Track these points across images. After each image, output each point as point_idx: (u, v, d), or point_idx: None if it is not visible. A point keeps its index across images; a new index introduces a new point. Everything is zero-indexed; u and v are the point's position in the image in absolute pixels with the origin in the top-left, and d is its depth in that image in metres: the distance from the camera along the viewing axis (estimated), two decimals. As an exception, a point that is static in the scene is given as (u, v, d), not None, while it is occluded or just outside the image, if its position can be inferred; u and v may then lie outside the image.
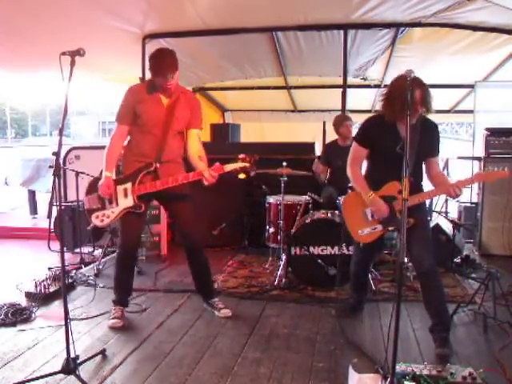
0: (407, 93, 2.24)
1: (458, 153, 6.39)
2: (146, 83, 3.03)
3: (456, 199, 2.67)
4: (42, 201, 7.48)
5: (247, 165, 2.86)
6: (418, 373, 2.12)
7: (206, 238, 5.07)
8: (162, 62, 2.82)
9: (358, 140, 2.88)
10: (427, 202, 6.39)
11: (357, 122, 4.76)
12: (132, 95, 2.97)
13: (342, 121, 4.56)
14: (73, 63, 2.36)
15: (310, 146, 5.43)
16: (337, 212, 4.02)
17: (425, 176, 2.88)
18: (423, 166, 2.84)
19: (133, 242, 3.12)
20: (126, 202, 2.96)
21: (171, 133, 2.96)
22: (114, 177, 3.00)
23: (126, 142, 3.09)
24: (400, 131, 2.68)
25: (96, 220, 3.04)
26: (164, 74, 2.82)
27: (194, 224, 3.17)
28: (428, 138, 2.70)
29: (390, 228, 2.80)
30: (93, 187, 3.07)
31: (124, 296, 3.21)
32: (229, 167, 2.86)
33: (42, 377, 2.29)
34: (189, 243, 3.24)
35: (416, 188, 2.69)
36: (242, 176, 2.89)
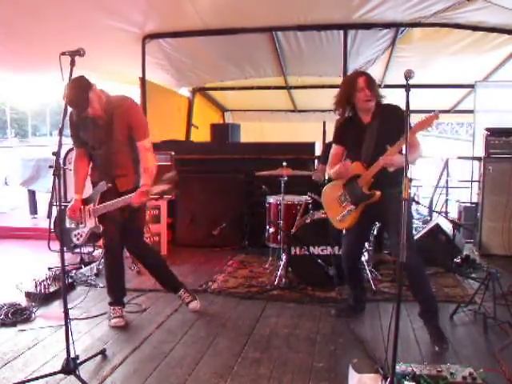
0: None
1: (458, 153, 6.40)
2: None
3: (391, 169, 2.69)
4: (42, 201, 7.47)
5: (166, 188, 2.95)
6: (417, 373, 2.12)
7: (205, 238, 5.12)
8: (72, 98, 2.72)
9: (333, 140, 3.13)
10: (427, 202, 6.42)
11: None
12: (72, 123, 3.07)
13: None
14: (73, 63, 2.36)
15: (310, 146, 5.43)
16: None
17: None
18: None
19: (114, 242, 3.12)
20: (90, 222, 3.07)
21: (115, 148, 3.01)
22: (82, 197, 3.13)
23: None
24: (363, 119, 2.91)
25: (74, 238, 3.16)
26: (78, 109, 2.88)
27: (134, 240, 3.26)
28: (391, 120, 2.72)
29: (362, 205, 2.89)
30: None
31: (119, 296, 3.21)
32: (154, 190, 2.92)
33: (41, 377, 2.29)
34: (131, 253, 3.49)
35: (391, 174, 2.73)
36: (166, 196, 3.02)
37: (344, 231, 3.18)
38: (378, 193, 2.78)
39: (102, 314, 3.22)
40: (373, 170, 2.78)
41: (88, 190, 3.20)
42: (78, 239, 3.14)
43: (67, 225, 3.18)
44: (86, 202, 3.11)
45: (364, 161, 2.85)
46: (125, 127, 2.99)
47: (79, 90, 2.78)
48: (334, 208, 3.05)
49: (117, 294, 3.20)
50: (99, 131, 2.99)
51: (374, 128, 2.83)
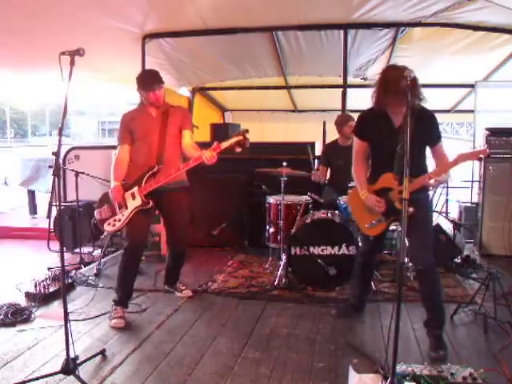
0: (407, 91, 2.25)
1: (458, 153, 6.38)
2: (137, 107, 3.47)
3: (440, 184, 2.66)
4: (42, 201, 7.47)
5: (241, 138, 3.05)
6: (418, 373, 2.12)
7: (205, 238, 5.12)
8: (149, 76, 3.30)
9: (355, 133, 2.93)
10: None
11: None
12: (125, 117, 3.34)
13: (346, 121, 4.55)
14: (72, 63, 2.36)
15: (310, 146, 5.42)
16: (337, 212, 4.02)
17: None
18: (422, 155, 2.79)
19: (139, 242, 3.23)
20: (134, 202, 3.16)
21: (167, 138, 3.24)
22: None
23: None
24: (393, 120, 2.71)
25: (108, 226, 3.22)
26: (151, 85, 3.20)
27: (184, 229, 3.42)
28: (422, 128, 2.64)
29: (393, 218, 2.80)
30: (102, 201, 3.30)
31: (126, 297, 3.23)
32: (225, 144, 3.04)
33: (41, 377, 2.29)
34: (175, 245, 3.50)
35: (414, 178, 2.63)
36: (238, 150, 3.07)
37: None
38: (412, 209, 2.55)
39: (102, 315, 3.21)
40: (416, 184, 2.60)
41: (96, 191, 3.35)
42: (114, 225, 3.18)
43: (98, 218, 3.27)
44: (125, 188, 3.21)
45: (397, 172, 2.66)
46: (178, 119, 3.30)
47: (155, 71, 3.34)
48: (362, 213, 2.90)
49: (125, 294, 3.23)
50: (153, 119, 3.25)
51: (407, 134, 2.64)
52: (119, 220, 3.18)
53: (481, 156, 2.74)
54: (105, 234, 3.45)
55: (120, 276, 3.24)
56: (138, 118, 3.29)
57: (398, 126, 2.69)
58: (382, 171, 2.77)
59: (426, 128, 2.69)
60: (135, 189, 3.17)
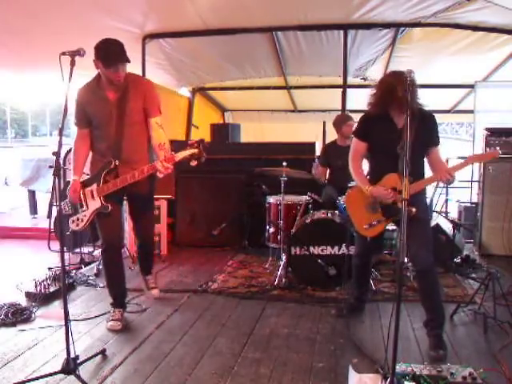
0: (406, 94, 2.29)
1: (458, 153, 6.39)
2: (91, 82, 2.93)
3: (448, 185, 2.67)
4: (42, 201, 7.47)
5: (195, 151, 2.69)
6: (417, 373, 2.12)
7: (205, 238, 5.12)
8: (113, 50, 2.76)
9: (356, 134, 2.95)
10: (427, 201, 6.42)
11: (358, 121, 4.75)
12: (80, 98, 2.93)
13: (344, 120, 4.56)
14: (73, 63, 2.36)
15: (310, 146, 5.43)
16: (337, 212, 4.02)
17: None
18: (423, 158, 2.80)
19: (113, 240, 3.05)
20: (94, 203, 2.96)
21: (126, 128, 2.89)
22: (80, 180, 3.02)
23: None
24: (396, 121, 2.74)
25: (72, 224, 3.07)
26: (114, 63, 2.76)
27: (150, 229, 3.40)
28: (424, 129, 2.66)
29: (393, 218, 2.79)
30: (65, 193, 3.08)
31: (120, 297, 3.16)
32: (180, 156, 2.72)
33: (42, 377, 2.29)
34: (140, 237, 3.36)
35: (414, 179, 2.62)
36: (193, 163, 2.71)
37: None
38: (414, 209, 2.56)
39: (102, 315, 3.21)
40: (414, 188, 2.61)
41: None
42: (77, 225, 3.02)
43: (64, 211, 3.04)
44: (85, 184, 2.98)
45: (401, 172, 2.63)
46: (139, 103, 2.90)
47: (119, 44, 2.82)
48: (361, 214, 2.90)
49: (117, 295, 3.14)
50: (110, 107, 2.87)
51: (410, 136, 2.58)
52: (82, 220, 2.99)
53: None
54: (70, 230, 3.29)
55: (106, 278, 3.16)
56: (93, 103, 2.88)
57: (400, 127, 2.68)
58: (383, 172, 2.77)
59: (427, 129, 2.71)
60: (94, 187, 2.93)
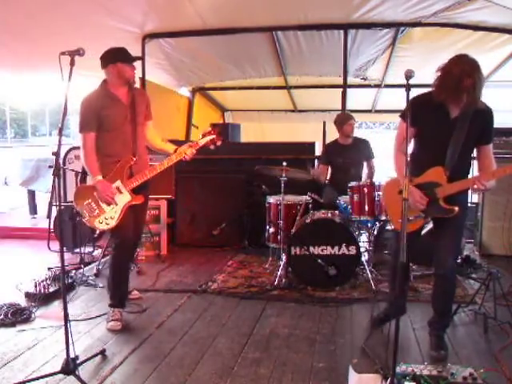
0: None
1: (476, 153, 6.38)
2: (99, 90, 3.08)
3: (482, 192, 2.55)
4: (42, 201, 7.47)
5: (213, 137, 3.18)
6: (418, 373, 2.12)
7: (205, 238, 5.12)
8: (127, 51, 3.07)
9: (403, 116, 2.61)
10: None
11: (358, 121, 4.76)
12: (93, 103, 3.02)
13: (346, 119, 4.57)
14: (72, 63, 2.36)
15: (310, 146, 5.43)
16: (337, 212, 4.02)
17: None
18: (471, 154, 2.67)
19: (131, 236, 3.12)
20: (123, 198, 3.03)
21: (138, 128, 3.14)
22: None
23: None
24: (450, 112, 2.54)
25: (101, 225, 3.02)
26: (133, 59, 3.07)
27: (141, 226, 3.42)
28: (478, 124, 2.53)
29: (434, 216, 2.63)
30: (81, 197, 3.04)
31: (123, 298, 3.17)
32: (202, 142, 3.17)
33: (41, 377, 2.29)
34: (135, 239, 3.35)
35: (459, 176, 2.55)
36: (212, 147, 3.22)
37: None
38: (456, 208, 2.48)
39: (102, 315, 3.21)
40: (458, 186, 2.50)
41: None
42: (107, 224, 2.99)
43: (86, 215, 3.00)
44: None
45: (447, 165, 2.52)
46: (143, 108, 3.19)
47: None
48: (397, 207, 2.51)
49: (121, 296, 3.14)
50: (125, 108, 3.07)
51: (463, 128, 2.49)
52: (112, 218, 2.99)
53: None
54: (98, 232, 3.41)
55: (113, 276, 3.12)
56: (110, 108, 3.01)
57: (454, 118, 2.53)
58: (429, 163, 2.56)
59: (480, 125, 2.55)
60: (118, 183, 3.01)
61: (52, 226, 5.13)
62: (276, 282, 3.85)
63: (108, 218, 3.01)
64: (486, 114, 2.60)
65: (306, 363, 2.53)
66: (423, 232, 3.17)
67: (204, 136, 3.16)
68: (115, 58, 3.01)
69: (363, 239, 4.41)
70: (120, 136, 3.05)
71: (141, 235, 3.55)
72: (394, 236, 3.00)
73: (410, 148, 2.71)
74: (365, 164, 4.70)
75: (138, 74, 5.47)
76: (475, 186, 2.48)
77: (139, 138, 3.14)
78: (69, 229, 5.16)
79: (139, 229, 3.37)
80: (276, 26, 5.18)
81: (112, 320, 3.03)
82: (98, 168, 3.00)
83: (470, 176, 2.67)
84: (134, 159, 3.06)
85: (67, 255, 4.92)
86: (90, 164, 3.00)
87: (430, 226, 3.32)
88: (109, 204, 2.99)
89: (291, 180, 4.12)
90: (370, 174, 4.71)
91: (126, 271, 3.20)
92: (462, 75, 2.37)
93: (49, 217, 5.14)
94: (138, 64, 5.38)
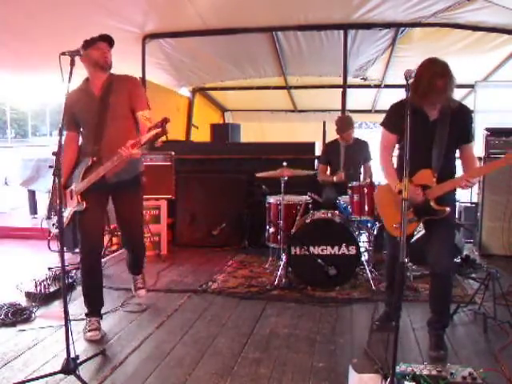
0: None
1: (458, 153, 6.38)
2: (80, 85, 2.88)
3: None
4: (42, 201, 7.47)
5: (159, 130, 2.52)
6: (417, 373, 2.12)
7: (205, 238, 5.13)
8: (98, 36, 2.76)
9: (386, 125, 2.76)
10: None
11: (357, 121, 4.76)
12: (69, 99, 2.70)
13: (346, 128, 4.56)
14: (72, 63, 2.36)
15: (310, 146, 5.44)
16: (337, 212, 4.02)
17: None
18: (454, 154, 2.71)
19: (92, 245, 2.88)
20: (71, 203, 2.86)
21: (109, 122, 2.80)
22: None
23: None
24: (429, 115, 2.60)
25: (53, 228, 3.00)
26: (95, 40, 2.74)
27: (136, 229, 3.13)
28: (457, 124, 2.56)
29: (426, 218, 2.66)
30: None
31: (97, 306, 2.99)
32: (144, 138, 2.55)
33: (42, 377, 2.29)
34: (128, 246, 3.21)
35: (446, 176, 2.59)
36: (158, 144, 2.65)
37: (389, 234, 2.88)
38: (448, 209, 2.52)
39: (105, 313, 3.21)
40: (448, 187, 2.54)
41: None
42: (57, 227, 2.89)
43: (45, 217, 3.00)
44: (65, 186, 2.85)
45: (434, 168, 2.58)
46: (123, 97, 2.83)
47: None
48: (390, 212, 2.74)
49: (95, 304, 2.97)
50: (94, 101, 2.80)
51: (444, 130, 2.54)
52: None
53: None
54: (52, 234, 3.21)
55: (84, 287, 2.94)
56: (80, 102, 2.79)
57: (433, 120, 2.60)
58: (415, 166, 2.55)
59: (460, 125, 2.59)
60: (73, 186, 2.83)
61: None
62: (276, 282, 3.85)
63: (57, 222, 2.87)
64: (464, 113, 2.65)
65: (306, 363, 2.53)
66: (414, 238, 3.20)
67: (149, 130, 2.55)
68: (84, 48, 2.68)
69: (363, 239, 4.42)
70: (88, 132, 2.84)
71: (138, 235, 3.18)
72: (388, 241, 2.99)
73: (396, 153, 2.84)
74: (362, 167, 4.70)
75: (138, 73, 5.53)
76: (463, 184, 2.52)
77: (109, 132, 2.79)
78: (69, 229, 5.16)
79: (134, 229, 3.09)
80: (276, 26, 5.18)
81: (90, 330, 2.86)
82: (63, 172, 2.78)
83: (456, 174, 2.72)
84: (92, 160, 2.77)
85: (67, 255, 4.93)
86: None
87: (421, 232, 3.35)
88: (64, 206, 2.83)
89: (291, 180, 4.11)
90: (367, 177, 4.70)
91: (93, 279, 2.95)
92: (433, 77, 2.42)
93: (49, 217, 5.15)
94: (138, 64, 5.45)
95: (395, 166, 2.81)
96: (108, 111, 2.80)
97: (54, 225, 3.00)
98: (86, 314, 2.95)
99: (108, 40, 2.80)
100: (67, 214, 2.87)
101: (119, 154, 2.59)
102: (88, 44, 2.72)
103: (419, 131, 2.52)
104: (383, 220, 2.89)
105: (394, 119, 2.69)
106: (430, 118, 2.62)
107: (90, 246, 2.87)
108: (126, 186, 2.91)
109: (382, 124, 2.79)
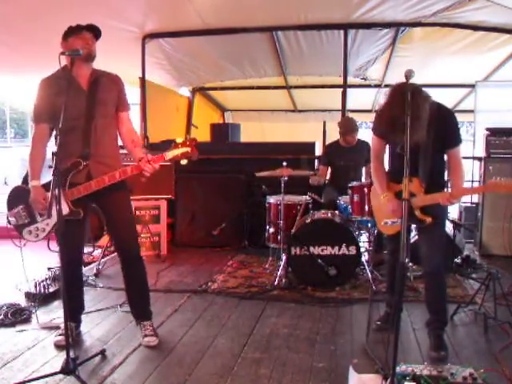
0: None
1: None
2: (59, 70, 2.54)
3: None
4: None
5: (188, 150, 2.48)
6: (418, 373, 2.11)
7: (205, 238, 5.12)
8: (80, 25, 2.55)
9: (373, 131, 2.78)
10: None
11: (357, 121, 4.75)
12: (48, 86, 2.61)
13: (349, 131, 4.53)
14: (72, 63, 2.36)
15: (310, 146, 5.43)
16: (337, 212, 4.02)
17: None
18: (441, 159, 2.67)
19: (73, 256, 2.64)
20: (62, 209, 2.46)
21: (98, 121, 2.59)
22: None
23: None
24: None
25: (30, 236, 2.72)
26: (78, 28, 2.54)
27: (130, 230, 2.80)
28: (440, 127, 2.51)
29: (411, 224, 2.70)
30: (15, 200, 2.71)
31: (76, 313, 2.87)
32: (170, 155, 2.48)
33: (41, 377, 2.29)
34: (122, 254, 2.80)
35: (435, 183, 2.59)
36: (183, 162, 2.54)
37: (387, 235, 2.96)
38: (429, 219, 2.53)
39: (104, 309, 3.21)
40: (428, 200, 2.53)
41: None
42: (36, 235, 2.68)
43: (14, 223, 2.76)
44: (46, 189, 2.59)
45: (422, 178, 2.55)
46: (113, 95, 2.65)
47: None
48: (381, 210, 2.79)
49: (74, 312, 2.79)
50: (83, 95, 2.57)
51: (428, 137, 2.47)
52: (43, 230, 2.63)
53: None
54: (24, 242, 2.84)
55: (64, 295, 2.44)
56: (64, 92, 2.38)
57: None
58: (401, 173, 2.46)
59: (441, 127, 2.52)
60: (56, 191, 2.37)
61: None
62: (276, 282, 3.85)
63: (39, 229, 2.66)
64: (446, 116, 2.58)
65: (306, 363, 2.52)
66: (414, 239, 3.18)
67: (176, 147, 2.48)
68: (64, 37, 2.56)
69: (363, 239, 4.42)
70: (72, 129, 2.53)
71: (132, 240, 2.80)
72: (386, 238, 3.06)
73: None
74: (363, 169, 4.68)
75: (138, 73, 5.53)
76: (444, 202, 2.47)
77: (98, 130, 2.58)
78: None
79: (124, 232, 2.76)
80: (276, 26, 5.18)
81: (60, 334, 2.75)
82: (36, 171, 2.61)
83: (446, 177, 2.74)
84: (83, 164, 2.54)
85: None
86: (30, 162, 2.61)
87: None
88: (41, 215, 2.61)
89: (291, 180, 4.11)
90: (368, 178, 4.69)
91: (74, 290, 2.75)
92: (393, 118, 2.30)
93: (49, 217, 5.13)
94: (137, 64, 5.45)
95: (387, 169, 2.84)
96: (97, 108, 2.58)
97: (30, 232, 2.74)
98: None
99: (95, 31, 2.61)
100: (52, 222, 2.58)
101: (139, 168, 2.46)
102: (72, 31, 2.54)
103: (400, 137, 2.38)
104: (375, 217, 2.95)
105: (379, 124, 2.63)
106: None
107: (70, 257, 2.55)
108: (109, 188, 2.59)
109: (372, 129, 2.77)
